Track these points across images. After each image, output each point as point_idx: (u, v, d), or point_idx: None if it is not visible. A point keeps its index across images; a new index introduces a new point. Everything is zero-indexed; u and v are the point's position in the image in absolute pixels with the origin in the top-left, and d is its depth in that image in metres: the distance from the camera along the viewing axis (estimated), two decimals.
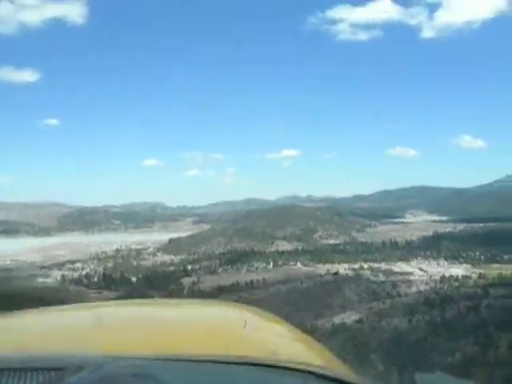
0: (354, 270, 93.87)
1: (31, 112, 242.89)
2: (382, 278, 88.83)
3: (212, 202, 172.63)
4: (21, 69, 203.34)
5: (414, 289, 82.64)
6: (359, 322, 67.19)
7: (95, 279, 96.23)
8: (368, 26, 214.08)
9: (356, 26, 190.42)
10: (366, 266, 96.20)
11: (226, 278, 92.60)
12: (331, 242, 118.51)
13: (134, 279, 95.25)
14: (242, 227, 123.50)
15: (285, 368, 1.19)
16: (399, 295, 79.58)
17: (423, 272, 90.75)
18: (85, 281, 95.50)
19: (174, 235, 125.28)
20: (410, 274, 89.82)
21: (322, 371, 1.22)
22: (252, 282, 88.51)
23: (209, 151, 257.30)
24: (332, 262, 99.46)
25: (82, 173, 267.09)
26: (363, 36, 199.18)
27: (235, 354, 1.26)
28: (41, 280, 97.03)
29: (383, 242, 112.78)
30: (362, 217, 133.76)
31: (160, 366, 1.12)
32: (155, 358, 1.16)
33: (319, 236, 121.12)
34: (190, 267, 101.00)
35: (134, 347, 1.29)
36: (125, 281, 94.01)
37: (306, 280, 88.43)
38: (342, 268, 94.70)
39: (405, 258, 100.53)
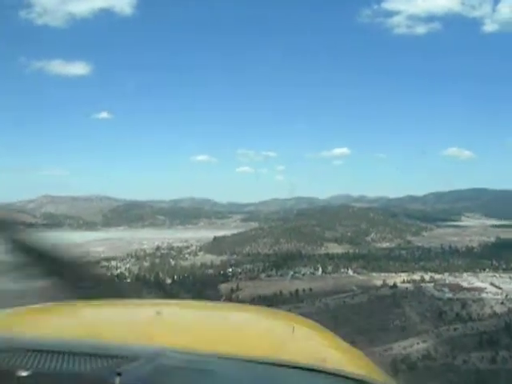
0: (415, 282, 75.74)
1: (82, 105, 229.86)
2: (447, 293, 70.29)
3: (262, 200, 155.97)
4: (71, 62, 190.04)
5: (488, 310, 64.23)
6: (427, 356, 49.17)
7: (127, 280, 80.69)
8: (426, 19, 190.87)
9: (413, 19, 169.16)
10: (427, 277, 78.25)
11: (269, 285, 76.17)
12: (385, 245, 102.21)
13: (169, 281, 79.97)
14: (291, 226, 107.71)
15: (335, 375, 1.16)
16: (471, 318, 61.34)
17: (497, 289, 71.31)
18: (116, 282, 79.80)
19: (219, 233, 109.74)
20: (481, 290, 70.58)
21: (372, 381, 1.20)
22: (297, 292, 72.20)
23: (261, 148, 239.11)
24: (388, 271, 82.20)
25: (133, 167, 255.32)
26: (421, 29, 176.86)
27: (284, 358, 1.23)
28: None
29: (442, 248, 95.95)
30: (417, 219, 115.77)
31: (211, 362, 1.12)
32: (207, 355, 1.16)
33: (372, 239, 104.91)
34: (230, 270, 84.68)
35: (186, 343, 1.29)
36: (158, 283, 78.44)
37: (359, 292, 70.78)
38: (400, 279, 77.00)
39: (470, 269, 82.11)
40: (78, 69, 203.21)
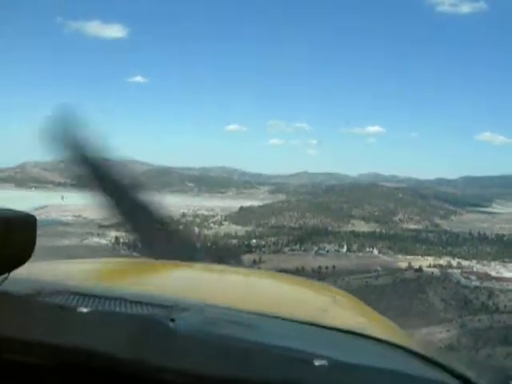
0: (441, 267, 72.75)
1: (117, 68, 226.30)
2: (474, 281, 67.19)
3: (292, 173, 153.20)
4: (108, 24, 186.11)
5: None
6: (450, 346, 46.66)
7: None
8: None
9: None
10: (454, 262, 75.18)
11: (292, 259, 74.26)
12: (412, 226, 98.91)
13: None
14: (319, 201, 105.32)
15: (375, 339, 1.19)
16: (498, 310, 58.55)
17: None
18: (138, 245, 78.45)
19: (246, 203, 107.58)
20: (510, 280, 67.20)
21: (410, 348, 1.20)
22: (320, 268, 70.04)
23: (293, 120, 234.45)
24: (414, 253, 79.55)
25: (166, 132, 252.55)
26: (465, 8, 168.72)
27: (326, 322, 1.29)
28: (95, 239, 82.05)
29: (471, 234, 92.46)
30: (447, 202, 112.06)
31: (255, 319, 1.18)
32: (251, 312, 1.23)
33: (399, 219, 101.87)
34: (254, 242, 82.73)
35: (232, 302, 1.36)
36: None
37: (384, 274, 68.36)
38: (426, 262, 74.16)
39: (499, 258, 78.80)
40: (115, 31, 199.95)
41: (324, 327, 1.19)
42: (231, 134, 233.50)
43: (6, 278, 1.09)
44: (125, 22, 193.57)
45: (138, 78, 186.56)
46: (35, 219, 1.09)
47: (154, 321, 1.06)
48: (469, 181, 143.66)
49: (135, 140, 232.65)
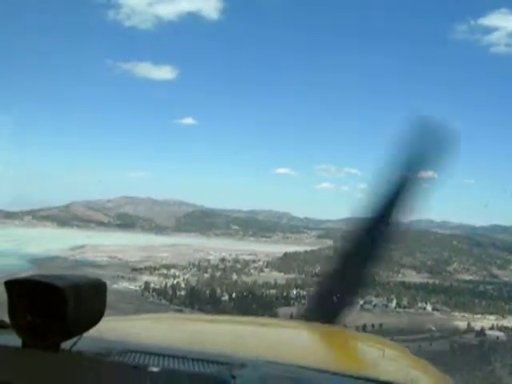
0: (506, 329, 60.08)
1: (168, 110, 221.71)
2: None
3: (341, 217, 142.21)
4: (158, 65, 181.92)
5: None
6: None
7: (181, 292, 71.12)
8: None
9: None
10: None
11: None
12: (468, 277, 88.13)
13: (224, 298, 69.75)
14: None
15: None
16: None
17: None
18: (169, 293, 70.20)
19: (291, 248, 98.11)
20: None
21: None
22: (365, 327, 58.65)
23: (344, 165, 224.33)
24: (473, 311, 68.24)
25: (215, 173, 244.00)
26: None
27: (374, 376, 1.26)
28: (125, 284, 73.44)
29: None
30: (505, 250, 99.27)
31: (313, 375, 1.18)
32: (305, 367, 1.22)
33: (454, 269, 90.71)
34: (294, 292, 72.21)
35: (285, 356, 1.37)
36: (213, 300, 68.44)
37: (439, 336, 56.53)
38: (489, 323, 62.15)
39: None
40: (165, 73, 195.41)
41: (377, 381, 1.14)
42: (281, 177, 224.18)
43: (78, 340, 1.11)
44: (174, 63, 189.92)
45: (189, 120, 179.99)
46: (105, 285, 1.12)
47: (217, 379, 1.05)
48: None
49: (184, 181, 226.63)
